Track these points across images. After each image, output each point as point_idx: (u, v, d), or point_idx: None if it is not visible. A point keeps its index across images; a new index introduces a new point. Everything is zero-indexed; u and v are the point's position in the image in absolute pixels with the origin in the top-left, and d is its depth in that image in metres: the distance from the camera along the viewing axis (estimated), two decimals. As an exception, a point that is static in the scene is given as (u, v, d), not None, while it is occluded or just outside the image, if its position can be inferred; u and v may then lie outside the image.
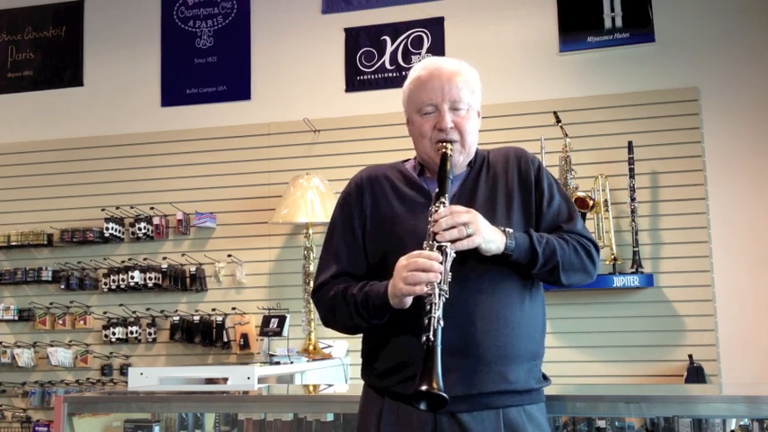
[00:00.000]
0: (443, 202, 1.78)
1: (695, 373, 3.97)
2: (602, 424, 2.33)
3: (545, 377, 1.93)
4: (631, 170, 4.15)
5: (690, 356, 4.04)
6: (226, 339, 4.63)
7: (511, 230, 1.79)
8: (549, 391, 1.98)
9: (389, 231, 1.87)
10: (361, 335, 1.96)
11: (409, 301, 1.72)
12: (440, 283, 1.66)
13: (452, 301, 1.70)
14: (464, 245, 1.71)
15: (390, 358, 1.83)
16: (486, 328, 1.77)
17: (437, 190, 1.81)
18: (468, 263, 1.77)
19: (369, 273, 1.89)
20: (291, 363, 3.95)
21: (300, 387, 3.77)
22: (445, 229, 1.71)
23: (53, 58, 5.27)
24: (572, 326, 4.26)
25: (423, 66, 1.95)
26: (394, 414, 1.81)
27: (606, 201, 4.18)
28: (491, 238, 1.75)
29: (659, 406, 2.12)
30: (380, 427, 1.82)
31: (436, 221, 1.73)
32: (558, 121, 4.20)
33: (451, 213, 1.73)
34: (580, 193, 4.11)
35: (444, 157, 1.85)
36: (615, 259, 4.14)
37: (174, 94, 5.03)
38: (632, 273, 4.10)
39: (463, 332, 1.75)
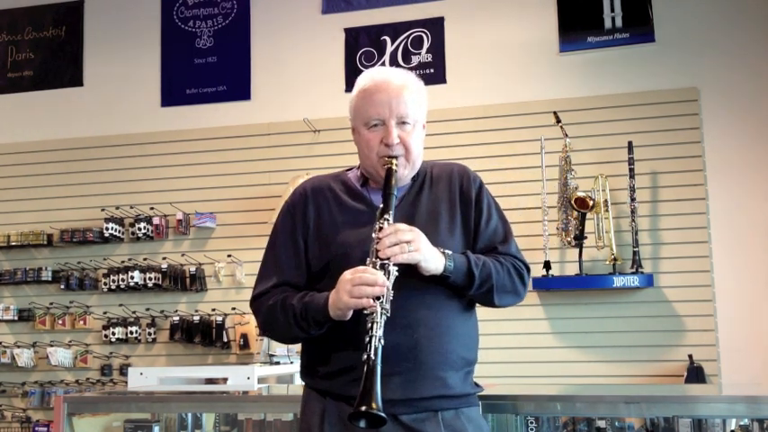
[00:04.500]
0: (387, 219, 1.80)
1: (695, 373, 3.97)
2: (602, 424, 2.33)
3: (476, 384, 1.96)
4: (631, 170, 4.15)
5: (690, 356, 4.04)
6: (226, 339, 4.63)
7: (450, 252, 1.82)
8: (550, 391, 1.99)
9: (332, 241, 1.89)
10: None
11: (350, 313, 1.74)
12: (382, 301, 1.69)
13: (397, 308, 1.73)
14: (404, 258, 1.74)
15: (333, 363, 1.85)
16: (428, 335, 1.81)
17: (381, 206, 1.83)
18: (413, 273, 1.80)
19: (309, 282, 1.91)
20: (291, 363, 3.95)
21: (300, 387, 3.76)
22: (388, 247, 1.73)
23: (53, 58, 5.27)
24: (572, 326, 4.25)
25: (370, 77, 1.94)
26: (336, 415, 1.83)
27: (606, 201, 4.17)
28: (431, 257, 1.78)
29: (659, 406, 2.13)
30: (323, 428, 1.84)
31: (380, 240, 1.75)
32: (558, 121, 4.20)
33: (395, 231, 1.76)
34: (580, 193, 4.10)
35: (389, 173, 1.86)
36: (615, 259, 4.14)
37: (174, 94, 5.03)
38: (632, 273, 4.10)
39: (406, 337, 1.79)
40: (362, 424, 1.64)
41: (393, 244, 1.74)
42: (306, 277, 1.92)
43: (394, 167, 1.87)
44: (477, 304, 1.96)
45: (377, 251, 1.74)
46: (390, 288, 1.71)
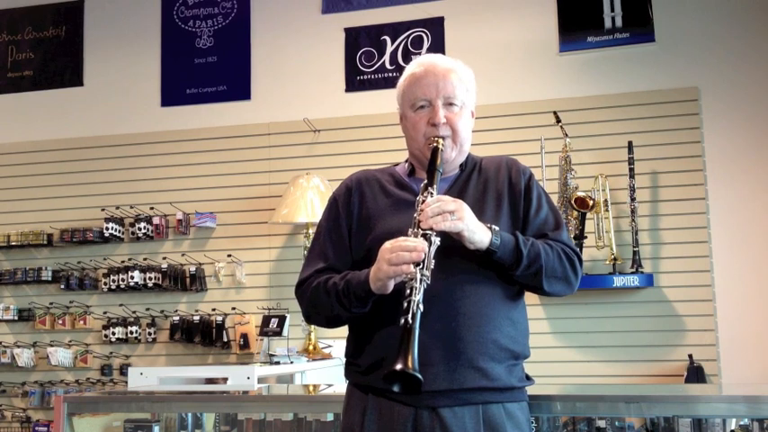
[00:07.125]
0: (431, 193, 1.79)
1: (695, 373, 3.97)
2: (602, 424, 2.33)
3: (528, 377, 1.92)
4: (631, 170, 4.15)
5: (690, 356, 4.04)
6: (226, 339, 4.63)
7: (497, 228, 1.79)
8: (549, 391, 1.98)
9: (375, 228, 1.88)
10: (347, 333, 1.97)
11: (391, 285, 1.71)
12: (422, 268, 1.66)
13: (436, 295, 1.71)
14: (447, 226, 1.71)
15: (373, 354, 1.83)
16: (467, 324, 1.77)
17: (425, 182, 1.82)
18: (454, 259, 1.78)
19: (353, 269, 1.89)
20: (291, 363, 3.95)
21: (300, 387, 3.77)
22: (431, 217, 1.71)
23: (53, 58, 5.26)
24: (572, 326, 4.26)
25: (418, 62, 1.97)
26: (377, 410, 1.82)
27: (606, 201, 4.17)
28: (475, 227, 1.75)
29: (659, 406, 2.12)
30: (364, 425, 1.82)
31: (422, 210, 1.73)
32: (558, 121, 4.20)
33: (439, 202, 1.74)
34: (580, 193, 4.11)
35: (435, 151, 1.86)
36: (615, 259, 4.14)
37: (174, 93, 5.03)
38: (632, 273, 4.10)
39: (445, 326, 1.76)
40: (396, 387, 1.58)
41: (435, 214, 1.71)
42: (350, 264, 1.91)
43: (440, 146, 1.86)
44: (527, 291, 1.91)
45: (419, 222, 1.72)
46: (432, 257, 1.67)
